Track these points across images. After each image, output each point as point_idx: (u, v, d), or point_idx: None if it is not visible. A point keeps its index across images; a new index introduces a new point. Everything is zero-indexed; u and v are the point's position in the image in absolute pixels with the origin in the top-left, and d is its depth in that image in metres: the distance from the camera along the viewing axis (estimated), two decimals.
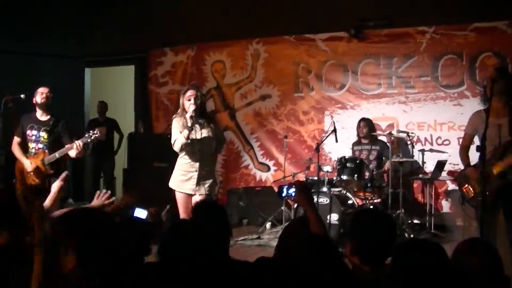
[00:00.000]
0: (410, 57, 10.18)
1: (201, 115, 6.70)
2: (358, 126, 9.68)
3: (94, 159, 11.94)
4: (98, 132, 7.43)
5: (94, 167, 12.07)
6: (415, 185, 9.93)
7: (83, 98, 12.92)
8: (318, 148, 8.84)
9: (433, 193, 9.40)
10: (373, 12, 10.23)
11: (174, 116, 6.84)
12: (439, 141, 9.93)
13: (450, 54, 9.86)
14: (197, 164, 6.70)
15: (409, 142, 9.68)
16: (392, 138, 9.13)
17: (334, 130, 8.84)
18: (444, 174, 9.44)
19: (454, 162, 9.50)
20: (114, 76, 13.83)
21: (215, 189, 7.08)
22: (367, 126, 9.58)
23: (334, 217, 8.43)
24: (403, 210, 8.76)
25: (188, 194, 6.73)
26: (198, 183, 6.70)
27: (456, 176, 8.84)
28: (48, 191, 7.43)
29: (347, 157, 8.97)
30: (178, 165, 6.84)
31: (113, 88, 13.67)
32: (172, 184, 6.85)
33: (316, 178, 8.93)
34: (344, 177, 8.80)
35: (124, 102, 13.04)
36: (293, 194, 4.02)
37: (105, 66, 13.47)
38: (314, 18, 10.67)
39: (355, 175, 8.75)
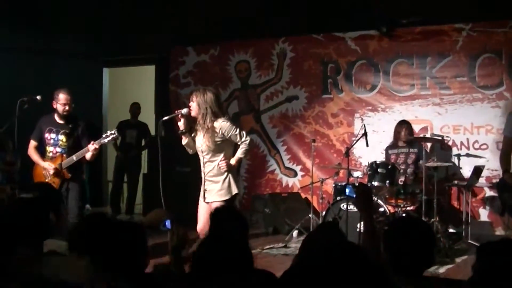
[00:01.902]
0: (445, 56, 10.10)
1: (204, 119, 6.59)
2: (399, 129, 9.48)
3: (120, 163, 11.92)
4: (115, 132, 7.48)
5: (120, 171, 12.06)
6: (450, 192, 9.83)
7: (101, 99, 12.95)
8: (348, 153, 8.78)
9: (470, 201, 9.30)
10: (406, 8, 10.15)
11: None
12: (476, 145, 9.83)
13: (488, 52, 9.77)
14: (202, 170, 6.73)
15: (443, 146, 9.60)
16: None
17: (365, 134, 8.76)
18: (481, 180, 9.34)
19: (492, 167, 9.43)
20: (133, 77, 13.89)
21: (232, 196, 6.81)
22: (408, 129, 9.40)
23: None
24: (438, 218, 8.64)
25: (203, 202, 6.75)
26: (205, 190, 6.71)
27: (495, 183, 8.76)
28: (65, 196, 7.52)
29: (378, 162, 8.88)
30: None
31: (132, 89, 13.72)
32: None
33: (345, 184, 8.86)
34: (375, 183, 8.72)
35: (144, 104, 13.06)
36: (354, 195, 4.03)
37: (124, 66, 13.54)
38: (344, 16, 10.61)
39: (387, 181, 8.67)
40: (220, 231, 3.76)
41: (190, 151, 6.78)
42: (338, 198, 8.89)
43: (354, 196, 4.07)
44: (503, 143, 6.28)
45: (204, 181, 6.70)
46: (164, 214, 4.38)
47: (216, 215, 4.18)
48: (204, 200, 6.70)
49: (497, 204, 8.79)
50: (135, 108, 12.02)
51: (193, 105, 6.54)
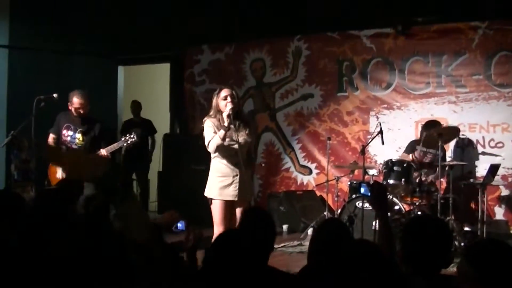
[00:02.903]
0: (461, 55, 10.08)
1: (237, 117, 6.68)
2: (431, 128, 9.31)
3: (127, 162, 11.95)
4: (134, 135, 7.56)
5: (127, 170, 12.10)
6: (466, 190, 9.84)
7: (116, 98, 13.02)
8: (363, 151, 8.79)
9: (485, 199, 9.30)
10: (421, 6, 10.17)
11: (205, 118, 6.83)
12: (492, 144, 9.82)
13: (504, 50, 9.73)
14: (237, 168, 6.65)
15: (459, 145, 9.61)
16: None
17: (380, 132, 8.78)
18: (497, 178, 9.35)
19: (508, 166, 9.45)
20: (148, 75, 13.97)
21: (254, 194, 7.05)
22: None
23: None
24: (453, 217, 8.67)
25: (229, 201, 6.68)
26: (240, 188, 6.67)
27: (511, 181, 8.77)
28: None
29: (394, 160, 8.92)
30: (215, 170, 6.78)
31: (147, 87, 13.81)
32: (209, 192, 6.79)
33: (360, 182, 8.89)
34: (391, 181, 8.77)
35: (159, 102, 13.16)
36: (368, 194, 4.06)
37: (139, 64, 13.59)
38: (359, 14, 10.64)
39: (403, 179, 8.71)
40: (251, 229, 3.79)
41: (218, 148, 6.62)
42: (354, 196, 8.93)
43: (369, 194, 4.09)
44: None
45: (241, 179, 6.67)
46: (178, 216, 4.42)
47: (251, 214, 4.21)
48: (238, 197, 6.68)
49: None
50: (136, 106, 12.10)
51: (235, 100, 6.64)
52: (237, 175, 6.65)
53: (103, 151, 7.61)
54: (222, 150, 6.62)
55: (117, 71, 13.14)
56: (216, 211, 6.69)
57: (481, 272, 2.80)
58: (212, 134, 6.60)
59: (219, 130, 6.53)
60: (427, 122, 9.45)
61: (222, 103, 6.63)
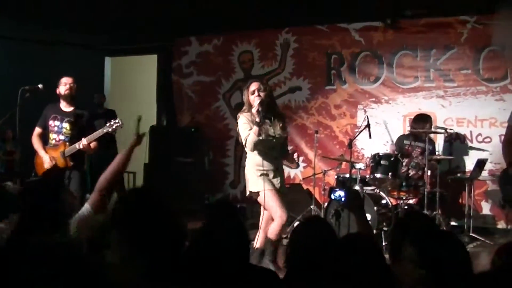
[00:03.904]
0: (449, 49, 10.15)
1: (270, 110, 6.58)
2: (421, 122, 9.36)
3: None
4: (120, 120, 7.52)
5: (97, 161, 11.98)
6: (453, 185, 9.89)
7: (103, 89, 12.98)
8: (350, 144, 8.82)
9: (472, 194, 9.36)
10: (411, 0, 10.18)
11: (238, 114, 6.73)
12: (480, 139, 9.88)
13: (493, 45, 9.79)
14: (276, 162, 6.64)
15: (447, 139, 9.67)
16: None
17: (368, 125, 8.81)
18: (484, 173, 9.41)
19: (495, 161, 9.50)
20: (136, 66, 13.92)
21: None
22: (430, 124, 9.36)
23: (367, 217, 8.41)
24: (440, 211, 8.74)
25: (277, 190, 6.60)
26: (282, 182, 6.68)
27: (497, 175, 8.82)
28: (67, 184, 7.58)
29: (381, 154, 8.95)
30: (254, 164, 6.61)
31: (134, 78, 13.77)
32: (254, 186, 6.61)
33: (348, 175, 8.93)
34: (378, 175, 8.80)
35: (146, 94, 13.13)
36: (342, 198, 4.08)
37: (127, 55, 13.56)
38: (348, 7, 10.64)
39: (390, 173, 8.74)
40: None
41: (256, 146, 6.49)
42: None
43: (342, 200, 4.12)
44: (506, 132, 6.26)
45: (281, 172, 6.75)
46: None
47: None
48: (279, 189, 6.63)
49: (499, 197, 8.88)
50: (99, 97, 11.91)
51: (265, 93, 6.54)
52: (278, 168, 6.64)
53: (83, 140, 7.55)
54: (259, 145, 6.51)
55: (104, 62, 13.11)
56: (271, 200, 6.52)
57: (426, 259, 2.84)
58: (247, 131, 6.46)
59: (253, 124, 6.41)
60: (416, 116, 9.51)
61: (251, 98, 6.53)
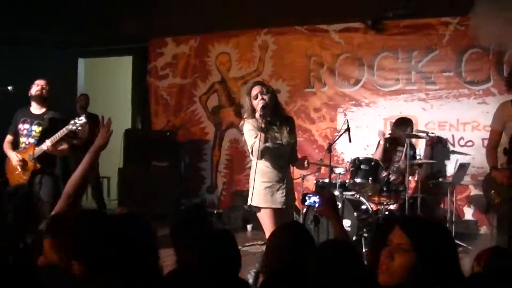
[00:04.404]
0: (431, 51, 10.14)
1: (275, 114, 6.18)
2: (401, 125, 9.35)
3: (75, 161, 11.71)
4: (83, 117, 7.36)
5: (74, 167, 11.82)
6: (435, 189, 9.88)
7: (76, 92, 12.85)
8: (330, 148, 8.74)
9: (454, 199, 9.35)
10: (392, 1, 10.17)
11: (242, 121, 6.32)
12: (462, 142, 9.89)
13: (475, 47, 9.78)
14: (282, 171, 6.22)
15: (428, 143, 9.67)
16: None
17: (348, 129, 8.72)
18: (467, 178, 9.40)
19: (477, 165, 9.48)
20: (110, 68, 13.84)
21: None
22: (411, 128, 9.34)
23: (346, 223, 8.36)
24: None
25: (277, 209, 6.13)
26: (288, 195, 6.21)
27: (481, 180, 8.80)
28: (38, 190, 7.47)
29: (361, 158, 8.90)
30: (259, 175, 6.18)
31: (109, 80, 13.69)
32: (254, 200, 6.16)
33: (327, 180, 8.88)
34: (358, 180, 8.74)
35: (121, 96, 13.04)
36: (317, 204, 4.04)
37: (101, 57, 13.46)
38: (328, 8, 10.62)
39: (370, 178, 8.69)
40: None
41: (264, 153, 6.08)
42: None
43: (317, 205, 4.08)
44: (490, 137, 6.22)
45: (288, 184, 6.24)
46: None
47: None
48: (286, 205, 6.19)
49: (482, 202, 8.86)
50: (83, 100, 11.62)
51: (266, 97, 6.09)
52: (284, 179, 6.19)
53: (47, 142, 7.43)
54: (267, 153, 6.11)
55: (77, 63, 12.98)
56: (266, 220, 6.13)
57: (416, 242, 2.80)
58: (253, 138, 6.06)
59: (259, 131, 6.02)
60: (397, 120, 9.50)
61: (255, 102, 6.12)
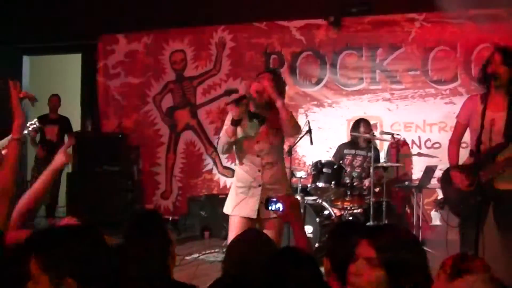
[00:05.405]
0: (396, 48, 10.19)
1: (266, 107, 5.61)
2: (356, 127, 9.49)
3: (40, 162, 11.61)
4: (36, 121, 7.24)
5: (39, 171, 11.70)
6: (401, 193, 9.91)
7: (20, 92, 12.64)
8: (290, 151, 8.72)
9: (421, 203, 9.37)
10: None
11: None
12: (429, 144, 9.94)
13: (442, 45, 9.89)
14: (259, 175, 5.59)
15: (393, 145, 9.69)
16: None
17: (309, 131, 8.72)
18: (434, 181, 9.42)
19: (445, 167, 9.48)
20: (57, 66, 13.66)
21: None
22: (368, 129, 9.39)
23: (308, 229, 8.32)
24: (387, 222, 8.71)
25: (248, 219, 5.56)
26: (262, 205, 5.13)
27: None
28: None
29: (323, 162, 8.87)
30: (236, 179, 5.79)
31: (56, 79, 13.49)
32: (227, 207, 5.72)
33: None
34: (320, 184, 8.72)
35: (69, 97, 12.83)
36: (280, 209, 4.02)
37: (47, 54, 13.30)
38: (289, 3, 10.62)
39: (333, 182, 8.66)
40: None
41: (227, 148, 5.65)
42: None
43: (280, 210, 4.06)
44: (454, 129, 6.20)
45: (264, 190, 5.54)
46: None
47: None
48: (263, 215, 5.50)
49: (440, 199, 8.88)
50: (55, 101, 11.66)
51: (270, 84, 5.51)
52: (259, 185, 5.57)
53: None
54: (241, 152, 5.67)
55: (21, 61, 12.82)
56: (231, 230, 5.58)
57: (385, 257, 2.80)
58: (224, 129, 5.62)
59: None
60: (354, 122, 9.55)
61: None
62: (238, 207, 5.60)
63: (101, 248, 2.94)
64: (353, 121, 9.65)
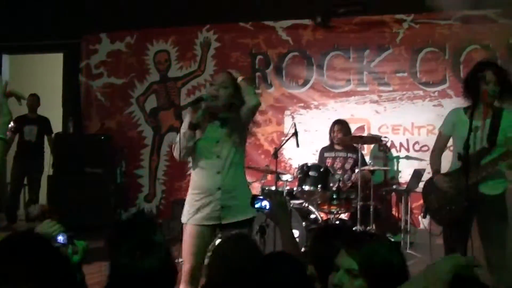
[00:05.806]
0: (384, 50, 10.20)
1: (234, 107, 5.41)
2: (332, 130, 9.54)
3: (19, 163, 11.56)
4: (12, 123, 7.18)
5: (18, 172, 11.67)
6: (388, 197, 9.92)
7: None
8: (276, 154, 8.73)
9: (409, 207, 9.38)
10: None
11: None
12: (417, 147, 9.94)
13: (431, 46, 9.91)
14: (218, 178, 5.35)
15: (381, 148, 9.71)
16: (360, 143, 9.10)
17: (295, 133, 8.72)
18: (422, 185, 9.43)
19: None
20: (38, 66, 13.59)
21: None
22: (342, 130, 9.43)
23: (294, 234, 8.30)
24: (374, 226, 8.71)
25: (207, 226, 5.38)
26: (226, 208, 5.33)
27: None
28: None
29: (309, 165, 8.84)
30: (190, 185, 5.53)
31: (37, 79, 13.42)
32: (183, 216, 5.44)
33: (273, 188, 8.84)
34: (306, 188, 8.69)
35: (50, 97, 12.79)
36: (267, 207, 4.00)
37: (28, 53, 13.22)
38: (275, 3, 10.61)
39: (319, 185, 8.64)
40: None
41: (184, 152, 5.35)
42: None
43: (267, 209, 4.05)
44: (437, 139, 6.26)
45: (224, 196, 5.35)
46: (57, 227, 4.09)
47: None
48: (224, 220, 5.37)
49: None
50: (34, 100, 11.60)
51: (222, 90, 5.33)
52: (219, 188, 5.32)
53: None
54: (200, 156, 5.40)
55: (1, 60, 12.80)
56: (184, 240, 5.38)
57: (365, 268, 2.82)
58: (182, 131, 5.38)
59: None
60: (333, 123, 9.57)
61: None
62: (194, 216, 5.34)
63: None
64: (333, 122, 9.63)
